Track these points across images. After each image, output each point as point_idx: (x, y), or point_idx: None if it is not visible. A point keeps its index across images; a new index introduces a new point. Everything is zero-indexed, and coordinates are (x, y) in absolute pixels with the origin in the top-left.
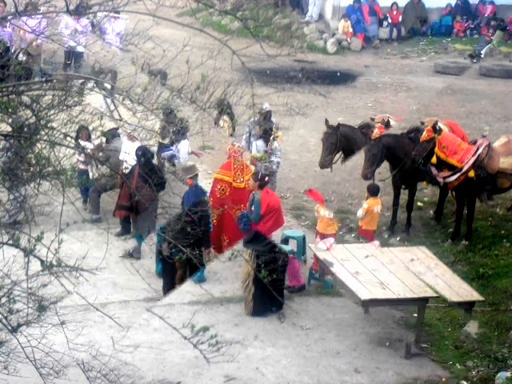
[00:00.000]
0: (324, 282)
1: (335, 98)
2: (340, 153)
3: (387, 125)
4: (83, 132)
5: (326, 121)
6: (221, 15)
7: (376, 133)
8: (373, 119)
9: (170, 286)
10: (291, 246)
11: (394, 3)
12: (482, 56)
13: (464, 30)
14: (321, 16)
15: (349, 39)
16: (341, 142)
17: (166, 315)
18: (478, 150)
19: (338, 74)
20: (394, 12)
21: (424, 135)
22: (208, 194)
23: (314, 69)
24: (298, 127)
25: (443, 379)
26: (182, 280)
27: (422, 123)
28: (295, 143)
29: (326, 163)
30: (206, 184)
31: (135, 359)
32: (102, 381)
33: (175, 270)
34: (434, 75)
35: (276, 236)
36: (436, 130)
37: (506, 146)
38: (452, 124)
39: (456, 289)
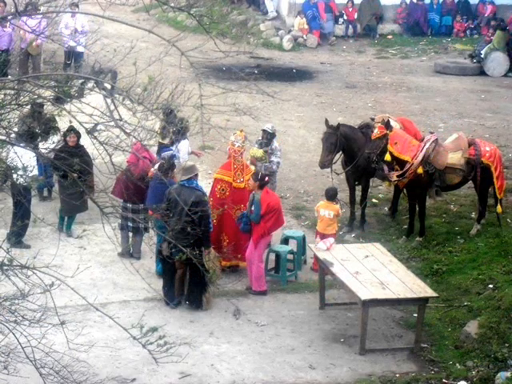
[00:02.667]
0: (280, 277)
1: (291, 94)
2: (340, 153)
3: (387, 125)
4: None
5: (326, 121)
6: (174, 11)
7: (376, 133)
8: (373, 119)
9: (169, 285)
10: (291, 246)
11: (350, 0)
12: (481, 56)
13: (464, 30)
14: (277, 12)
15: (305, 36)
16: (341, 141)
17: (120, 312)
18: (425, 145)
19: (294, 70)
20: (350, 9)
21: (376, 132)
22: (208, 194)
23: (269, 65)
24: (298, 127)
25: (397, 375)
26: (182, 280)
27: (373, 119)
28: (295, 143)
29: (325, 163)
30: (205, 184)
31: (90, 356)
32: (55, 377)
33: (175, 269)
34: (433, 75)
35: (276, 236)
36: (388, 126)
37: (455, 142)
38: (405, 121)
39: (410, 285)
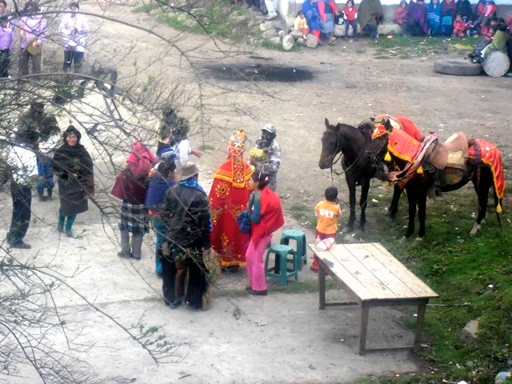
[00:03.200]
0: (279, 277)
1: (291, 94)
2: (340, 153)
3: (387, 125)
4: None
5: (326, 121)
6: (174, 11)
7: (376, 133)
8: (373, 119)
9: (169, 285)
10: (291, 246)
11: (350, 0)
12: (481, 56)
13: (464, 30)
14: (277, 12)
15: (305, 36)
16: (341, 142)
17: (120, 312)
18: (425, 145)
19: (294, 70)
20: (350, 9)
21: (376, 132)
22: (208, 194)
23: (269, 65)
24: (298, 127)
25: (397, 375)
26: (182, 280)
27: (373, 119)
28: (295, 143)
29: (325, 163)
30: (205, 184)
31: (90, 356)
32: (55, 377)
33: (175, 269)
34: (433, 75)
35: (276, 236)
36: (388, 126)
37: (455, 142)
38: (405, 121)
39: (410, 285)
